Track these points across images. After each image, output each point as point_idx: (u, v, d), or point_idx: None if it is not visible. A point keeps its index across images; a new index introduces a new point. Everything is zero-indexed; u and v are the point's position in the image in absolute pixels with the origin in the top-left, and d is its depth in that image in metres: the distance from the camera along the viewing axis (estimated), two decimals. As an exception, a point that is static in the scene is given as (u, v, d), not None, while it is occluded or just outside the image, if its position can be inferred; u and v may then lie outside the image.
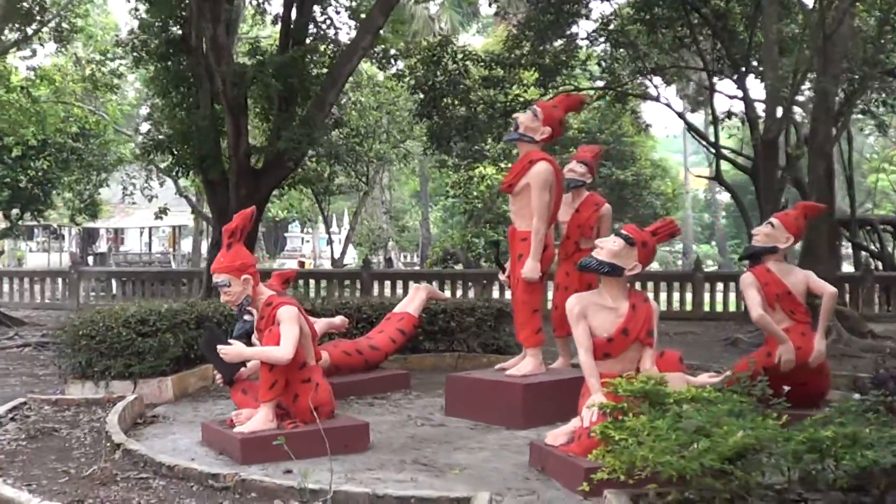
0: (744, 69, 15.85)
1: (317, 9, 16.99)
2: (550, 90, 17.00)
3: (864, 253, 20.38)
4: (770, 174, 14.35)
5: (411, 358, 10.23)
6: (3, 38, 16.89)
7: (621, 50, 17.84)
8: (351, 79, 23.23)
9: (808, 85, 15.35)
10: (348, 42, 16.21)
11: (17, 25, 16.98)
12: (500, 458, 6.11)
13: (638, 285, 18.86)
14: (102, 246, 50.85)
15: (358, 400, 8.30)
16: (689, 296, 18.83)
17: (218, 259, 6.40)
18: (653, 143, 34.88)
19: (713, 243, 53.40)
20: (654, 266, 42.21)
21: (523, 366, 7.45)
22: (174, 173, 18.19)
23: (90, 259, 42.82)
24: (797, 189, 16.65)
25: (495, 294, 18.46)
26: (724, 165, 19.02)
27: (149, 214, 25.70)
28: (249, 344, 6.32)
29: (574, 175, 8.32)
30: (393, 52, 18.66)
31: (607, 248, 5.66)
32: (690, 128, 17.96)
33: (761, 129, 14.56)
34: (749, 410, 4.17)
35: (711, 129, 18.67)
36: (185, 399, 8.41)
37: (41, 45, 19.92)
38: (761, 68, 15.09)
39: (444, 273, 22.19)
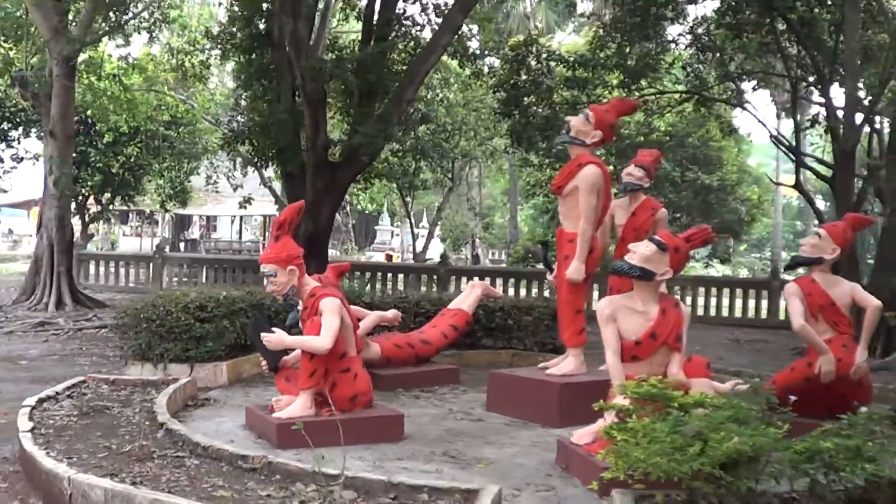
0: (828, 77, 15.51)
1: (401, 5, 17.22)
2: (635, 92, 16.89)
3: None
4: (847, 184, 14.01)
5: (467, 353, 10.32)
6: (95, 26, 17.39)
7: (708, 53, 17.60)
8: (438, 75, 23.51)
9: (890, 94, 14.94)
10: (428, 40, 16.40)
11: (109, 15, 17.49)
12: (528, 454, 6.16)
13: (714, 290, 18.71)
14: (195, 232, 52.25)
15: (405, 392, 8.41)
16: (764, 303, 18.40)
17: (266, 250, 6.65)
18: (747, 146, 34.07)
19: (803, 251, 51.82)
20: (743, 272, 41.61)
21: (564, 365, 7.50)
22: (256, 163, 18.62)
23: (181, 245, 43.99)
24: (878, 199, 16.21)
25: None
26: (809, 174, 18.60)
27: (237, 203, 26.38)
28: (300, 333, 6.55)
29: (632, 179, 8.39)
30: (479, 48, 18.71)
31: (640, 252, 5.68)
32: (772, 134, 17.57)
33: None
34: (754, 418, 4.18)
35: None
36: (239, 384, 8.64)
37: (137, 33, 20.44)
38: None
39: (521, 272, 22.01)
